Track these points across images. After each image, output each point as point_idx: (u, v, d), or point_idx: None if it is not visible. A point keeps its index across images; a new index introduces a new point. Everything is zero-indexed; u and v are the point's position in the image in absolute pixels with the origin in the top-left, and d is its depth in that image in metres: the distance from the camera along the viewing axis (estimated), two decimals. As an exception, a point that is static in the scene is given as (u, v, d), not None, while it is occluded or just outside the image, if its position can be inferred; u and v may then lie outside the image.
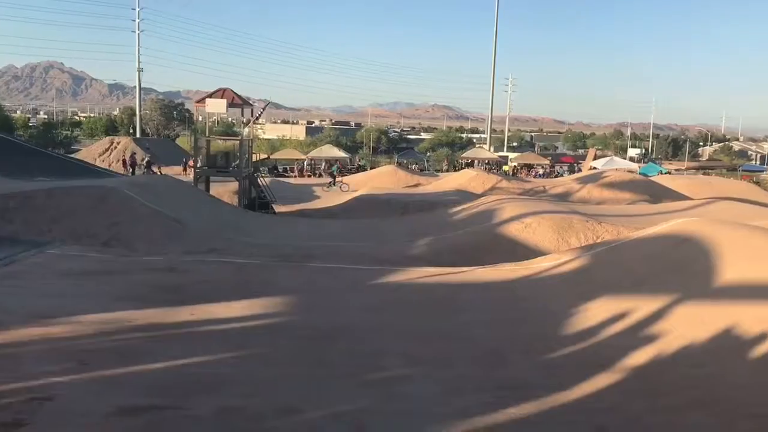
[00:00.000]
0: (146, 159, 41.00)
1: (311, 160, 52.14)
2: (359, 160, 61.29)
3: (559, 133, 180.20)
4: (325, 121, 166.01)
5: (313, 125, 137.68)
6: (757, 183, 45.23)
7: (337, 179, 34.84)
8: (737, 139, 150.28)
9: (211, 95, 24.85)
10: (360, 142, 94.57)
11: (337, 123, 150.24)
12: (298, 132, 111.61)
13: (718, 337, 5.74)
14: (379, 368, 5.75)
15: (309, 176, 46.99)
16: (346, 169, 51.06)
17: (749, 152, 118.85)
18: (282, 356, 5.96)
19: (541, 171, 55.90)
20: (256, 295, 8.16)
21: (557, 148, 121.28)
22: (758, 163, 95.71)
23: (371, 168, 49.35)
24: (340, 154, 55.51)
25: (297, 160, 52.04)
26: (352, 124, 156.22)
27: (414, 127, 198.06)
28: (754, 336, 5.52)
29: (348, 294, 8.79)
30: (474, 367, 5.90)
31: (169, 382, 5.09)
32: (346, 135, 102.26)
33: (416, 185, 34.75)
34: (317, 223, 19.80)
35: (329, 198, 28.79)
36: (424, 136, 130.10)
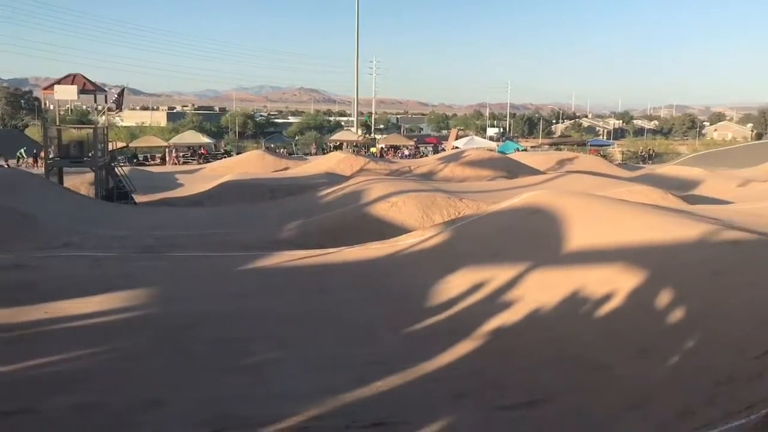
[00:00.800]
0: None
1: (173, 147, 50.16)
2: (225, 146, 59.71)
3: (423, 114, 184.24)
4: (187, 106, 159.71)
5: (174, 111, 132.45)
6: (604, 156, 48.62)
7: None
8: (586, 116, 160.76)
9: (59, 81, 23.30)
10: (225, 127, 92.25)
11: (200, 108, 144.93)
12: (159, 118, 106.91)
13: (567, 300, 6.17)
14: (246, 354, 5.71)
15: (175, 164, 45.22)
16: (210, 155, 49.63)
17: (597, 128, 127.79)
18: (144, 349, 5.76)
19: (407, 152, 56.96)
20: (114, 288, 7.80)
21: (422, 129, 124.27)
22: (605, 138, 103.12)
23: (238, 153, 48.28)
24: (203, 140, 53.80)
25: (166, 147, 49.86)
26: (216, 108, 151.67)
27: (281, 111, 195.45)
28: (598, 297, 5.99)
29: (213, 282, 8.59)
30: (342, 346, 5.99)
31: (20, 384, 4.79)
32: (211, 120, 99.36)
33: (285, 169, 34.43)
34: (181, 211, 19.19)
35: (194, 185, 27.90)
36: (291, 120, 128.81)
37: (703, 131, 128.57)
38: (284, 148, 61.05)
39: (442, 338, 5.89)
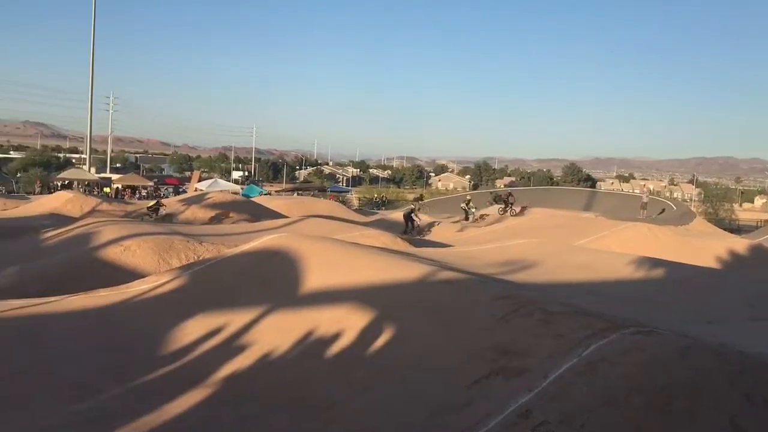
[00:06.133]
0: None
1: None
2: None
3: (165, 155, 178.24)
4: None
5: None
6: (343, 202, 51.00)
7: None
8: (327, 164, 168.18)
9: None
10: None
11: None
12: None
13: (300, 341, 6.27)
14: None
15: None
16: None
17: (337, 175, 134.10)
18: None
19: (145, 192, 54.44)
20: None
21: (163, 169, 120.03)
22: (344, 184, 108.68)
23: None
24: None
25: None
26: None
27: (2, 146, 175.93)
28: (329, 336, 6.18)
29: None
30: (58, 405, 5.41)
31: None
32: None
33: (2, 210, 30.71)
34: None
35: None
36: (13, 155, 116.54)
37: (429, 181, 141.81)
38: (3, 185, 54.79)
39: (172, 388, 5.60)
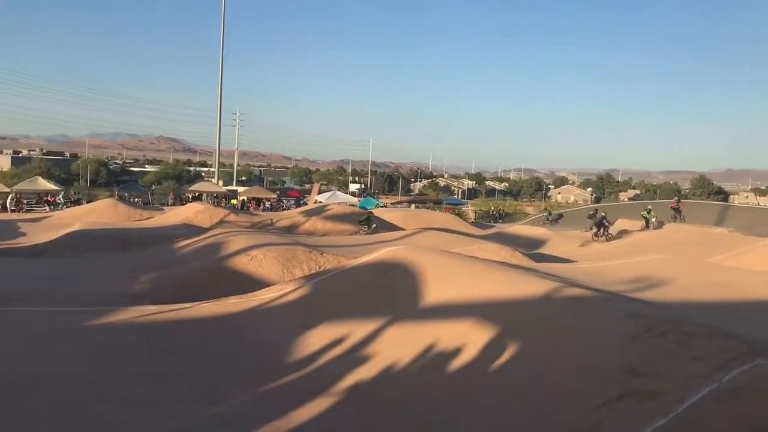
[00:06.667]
0: None
1: (17, 193, 46.54)
2: (74, 194, 56.35)
3: (287, 168, 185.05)
4: (35, 150, 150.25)
5: (20, 155, 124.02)
6: (458, 214, 50.72)
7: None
8: (443, 176, 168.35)
9: None
10: (76, 174, 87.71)
11: (49, 153, 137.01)
12: (2, 163, 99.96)
13: (422, 354, 6.28)
14: (89, 417, 5.29)
15: (14, 211, 41.84)
16: (62, 202, 46.60)
17: (452, 188, 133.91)
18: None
19: (269, 204, 56.60)
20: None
21: (285, 182, 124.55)
22: (459, 197, 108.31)
23: (88, 202, 45.63)
24: (50, 186, 50.53)
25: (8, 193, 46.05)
26: (67, 154, 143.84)
27: (138, 159, 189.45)
28: (451, 351, 6.15)
29: (51, 340, 7.86)
30: (193, 406, 5.70)
31: None
32: (60, 166, 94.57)
33: (139, 219, 32.89)
34: (19, 263, 17.71)
35: (37, 235, 25.93)
36: (148, 168, 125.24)
37: (549, 193, 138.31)
38: (139, 197, 58.62)
39: (297, 396, 5.76)
